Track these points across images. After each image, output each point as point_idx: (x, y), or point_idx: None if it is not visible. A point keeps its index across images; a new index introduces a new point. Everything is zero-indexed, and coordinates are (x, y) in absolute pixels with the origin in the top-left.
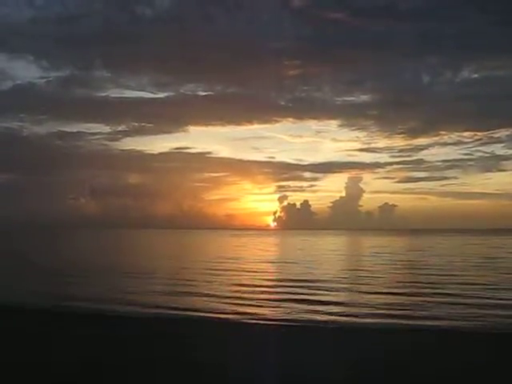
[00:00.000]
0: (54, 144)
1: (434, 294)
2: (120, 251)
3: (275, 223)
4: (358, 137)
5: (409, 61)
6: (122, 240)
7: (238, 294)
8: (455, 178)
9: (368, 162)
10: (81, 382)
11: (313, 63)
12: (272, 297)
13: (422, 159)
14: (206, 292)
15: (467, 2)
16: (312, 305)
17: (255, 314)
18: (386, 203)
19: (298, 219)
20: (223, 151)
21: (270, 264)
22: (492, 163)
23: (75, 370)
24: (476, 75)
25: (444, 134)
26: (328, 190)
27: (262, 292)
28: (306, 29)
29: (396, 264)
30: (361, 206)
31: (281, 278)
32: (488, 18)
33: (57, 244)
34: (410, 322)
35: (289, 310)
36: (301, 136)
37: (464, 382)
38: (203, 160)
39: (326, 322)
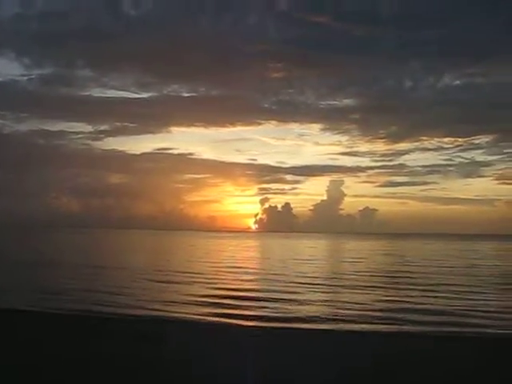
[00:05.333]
0: (36, 142)
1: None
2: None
3: (256, 225)
4: (340, 141)
5: (391, 66)
6: (93, 240)
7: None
8: (436, 183)
9: (349, 165)
10: None
11: (297, 66)
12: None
13: (403, 164)
14: None
15: (451, 8)
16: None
17: None
18: (366, 207)
19: (279, 222)
20: (206, 153)
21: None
22: (472, 169)
23: None
24: (458, 82)
25: (425, 140)
26: (309, 193)
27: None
28: (291, 32)
29: (372, 268)
30: (342, 209)
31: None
32: (471, 25)
33: (31, 243)
34: (393, 327)
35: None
36: (283, 139)
37: None
38: (185, 161)
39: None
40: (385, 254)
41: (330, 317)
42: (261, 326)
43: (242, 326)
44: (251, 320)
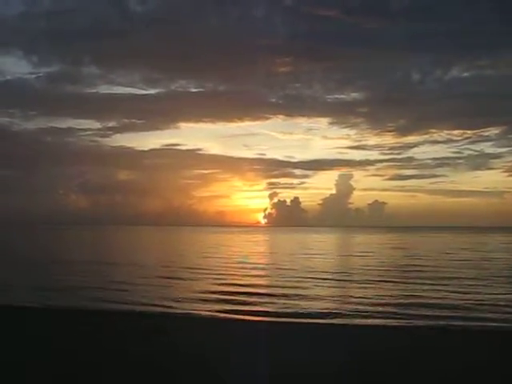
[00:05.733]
0: (44, 140)
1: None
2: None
3: (265, 220)
4: (348, 134)
5: (399, 59)
6: (102, 237)
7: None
8: (445, 175)
9: (358, 159)
10: None
11: (304, 60)
12: None
13: (411, 157)
14: None
15: (458, 1)
16: None
17: None
18: (375, 200)
19: (288, 216)
20: (214, 148)
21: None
22: (481, 161)
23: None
24: (466, 74)
25: (434, 132)
26: (318, 188)
27: None
28: (298, 26)
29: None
30: (351, 203)
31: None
32: (478, 18)
33: (40, 241)
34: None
35: None
36: (291, 133)
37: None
38: (194, 157)
39: None
40: (394, 248)
41: (339, 312)
42: (269, 322)
43: (250, 321)
44: (259, 316)
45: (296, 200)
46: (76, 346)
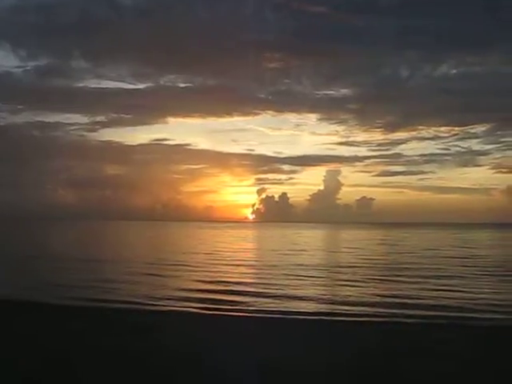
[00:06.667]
0: (32, 134)
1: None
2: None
3: (254, 216)
4: (336, 130)
5: (389, 55)
6: (90, 232)
7: None
8: (432, 172)
9: (346, 155)
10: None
11: (294, 56)
12: None
13: (399, 153)
14: None
15: None
16: None
17: None
18: (363, 197)
19: (276, 212)
20: (202, 143)
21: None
22: (468, 158)
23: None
24: (455, 71)
25: (422, 129)
26: (306, 183)
27: None
28: (288, 22)
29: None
30: (339, 199)
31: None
32: (468, 15)
33: (27, 235)
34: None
35: None
36: (280, 129)
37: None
38: (182, 152)
39: None
40: (381, 244)
41: (323, 310)
42: (255, 318)
43: (237, 317)
44: (245, 312)
45: (284, 196)
46: (64, 344)
